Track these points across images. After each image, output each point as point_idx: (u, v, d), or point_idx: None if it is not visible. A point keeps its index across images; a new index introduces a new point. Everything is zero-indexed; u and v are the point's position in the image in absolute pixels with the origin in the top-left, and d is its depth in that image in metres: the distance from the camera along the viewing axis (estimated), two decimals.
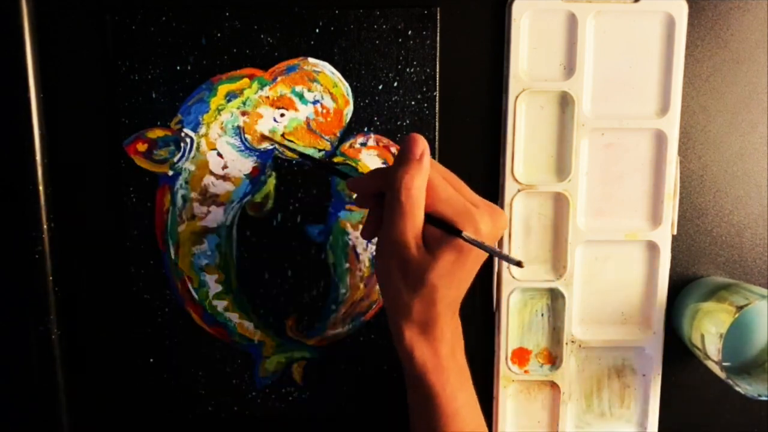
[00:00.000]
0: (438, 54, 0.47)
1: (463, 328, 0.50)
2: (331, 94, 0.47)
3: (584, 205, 0.49)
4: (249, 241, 0.49)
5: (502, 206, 0.49)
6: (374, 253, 0.39)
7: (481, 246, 0.36)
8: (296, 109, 0.47)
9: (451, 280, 0.37)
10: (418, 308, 0.37)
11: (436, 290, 0.37)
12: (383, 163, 0.48)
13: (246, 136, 0.47)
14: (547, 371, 0.51)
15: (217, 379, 0.50)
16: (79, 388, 0.50)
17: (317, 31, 0.46)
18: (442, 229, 0.37)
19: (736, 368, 0.49)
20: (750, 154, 0.50)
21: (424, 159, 0.37)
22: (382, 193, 0.39)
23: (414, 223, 0.37)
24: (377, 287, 0.49)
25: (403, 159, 0.37)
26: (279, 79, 0.47)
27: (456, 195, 0.38)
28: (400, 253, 0.37)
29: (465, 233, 0.36)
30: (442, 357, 0.39)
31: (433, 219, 0.37)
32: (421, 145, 0.37)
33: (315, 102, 0.47)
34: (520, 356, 0.51)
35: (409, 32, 0.47)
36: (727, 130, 0.49)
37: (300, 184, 0.48)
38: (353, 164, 0.48)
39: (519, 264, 0.35)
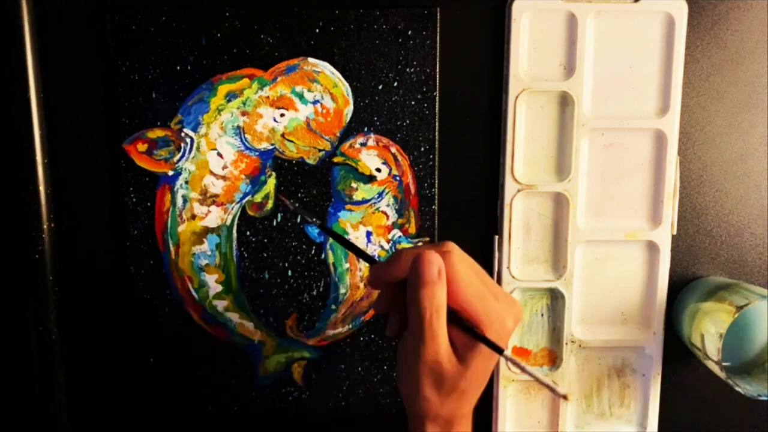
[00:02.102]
0: (438, 54, 0.47)
1: None
2: (331, 94, 0.47)
3: (584, 205, 0.49)
4: (249, 241, 0.49)
5: (502, 206, 0.49)
6: (397, 365, 0.40)
7: (523, 369, 0.37)
8: (296, 109, 0.47)
9: (481, 381, 0.38)
10: (446, 410, 0.38)
11: (468, 393, 0.38)
12: (383, 163, 0.48)
13: (246, 136, 0.47)
14: (547, 371, 0.51)
15: (217, 379, 0.50)
16: (79, 388, 0.50)
17: (317, 31, 0.46)
18: (473, 337, 0.37)
19: (736, 368, 0.49)
20: (750, 154, 0.50)
21: (442, 277, 0.37)
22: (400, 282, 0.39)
23: (444, 341, 0.37)
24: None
25: (422, 281, 0.36)
26: (279, 79, 0.47)
27: (485, 293, 0.37)
28: (434, 370, 0.37)
29: (506, 353, 0.36)
30: None
31: (458, 320, 0.37)
32: (437, 264, 0.36)
33: (315, 102, 0.47)
34: (520, 356, 0.51)
35: (409, 32, 0.47)
36: (727, 130, 0.49)
37: (300, 184, 0.48)
38: (353, 164, 0.48)
39: (565, 397, 0.36)
